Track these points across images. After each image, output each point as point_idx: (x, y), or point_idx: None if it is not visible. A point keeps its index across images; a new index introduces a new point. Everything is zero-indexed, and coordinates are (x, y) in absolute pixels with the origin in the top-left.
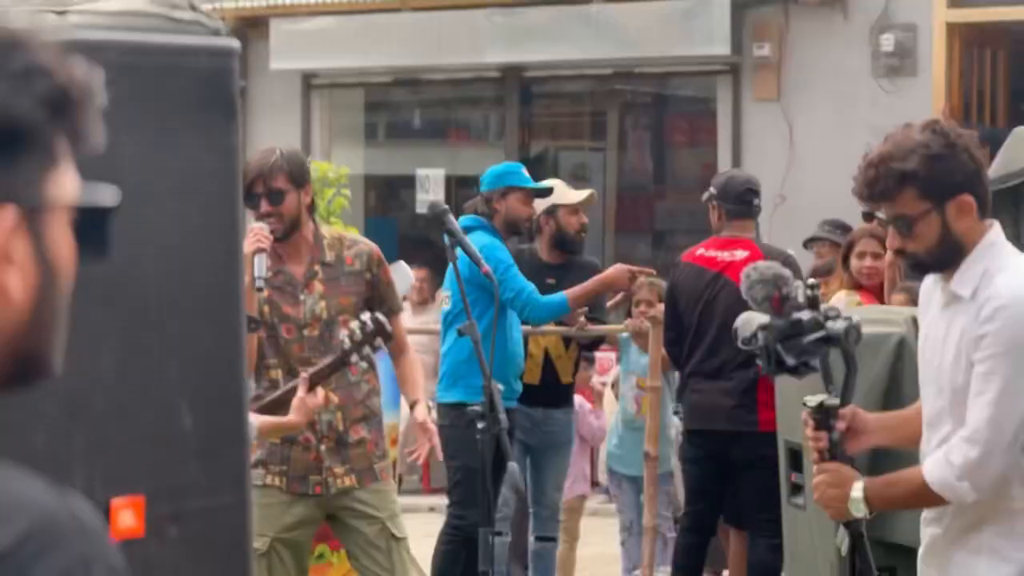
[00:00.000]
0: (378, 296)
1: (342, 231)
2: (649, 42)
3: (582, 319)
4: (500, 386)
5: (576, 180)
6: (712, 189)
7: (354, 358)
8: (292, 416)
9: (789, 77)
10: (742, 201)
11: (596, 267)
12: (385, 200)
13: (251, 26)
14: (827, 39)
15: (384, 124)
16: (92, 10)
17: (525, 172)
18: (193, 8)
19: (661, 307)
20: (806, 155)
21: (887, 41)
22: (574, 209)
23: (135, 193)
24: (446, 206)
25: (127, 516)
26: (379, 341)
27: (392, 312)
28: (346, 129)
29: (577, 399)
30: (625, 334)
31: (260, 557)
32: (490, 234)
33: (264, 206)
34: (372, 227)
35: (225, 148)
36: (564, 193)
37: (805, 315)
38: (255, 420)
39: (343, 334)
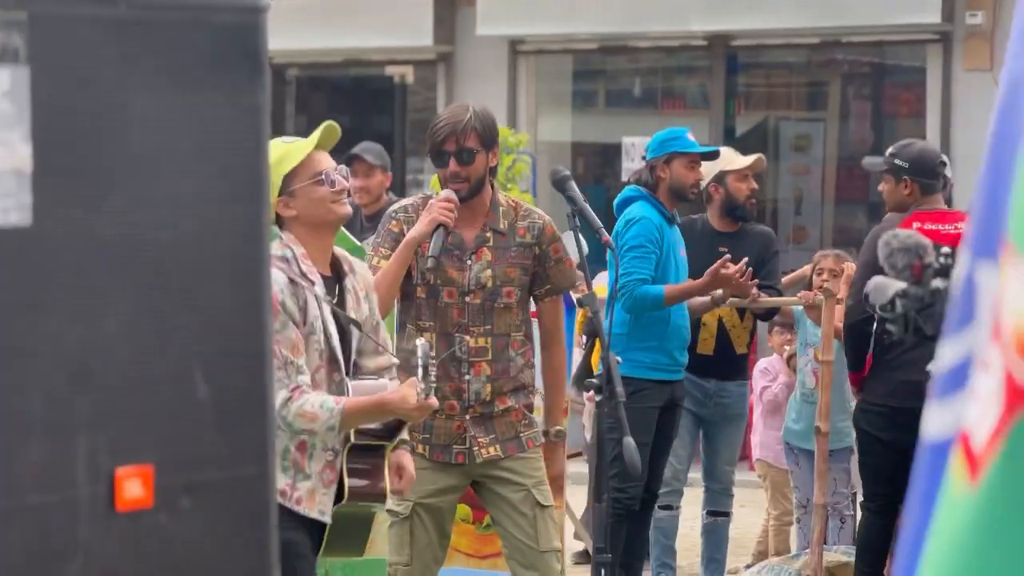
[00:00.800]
0: (543, 273)
1: (519, 199)
2: (857, 10)
3: (754, 291)
4: (619, 358)
5: (794, 151)
6: (900, 162)
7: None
8: (399, 391)
9: (1003, 46)
10: (936, 175)
11: (770, 236)
12: (592, 168)
13: None
14: None
15: (591, 91)
16: None
17: (690, 136)
18: None
19: (842, 278)
20: None
21: None
22: (743, 175)
23: (146, 153)
24: (567, 172)
25: (134, 486)
26: (431, 370)
27: (551, 293)
28: (552, 96)
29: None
30: (799, 307)
31: (403, 521)
32: (649, 205)
33: (453, 165)
34: None
35: (250, 107)
36: (732, 159)
37: (942, 284)
38: (336, 403)
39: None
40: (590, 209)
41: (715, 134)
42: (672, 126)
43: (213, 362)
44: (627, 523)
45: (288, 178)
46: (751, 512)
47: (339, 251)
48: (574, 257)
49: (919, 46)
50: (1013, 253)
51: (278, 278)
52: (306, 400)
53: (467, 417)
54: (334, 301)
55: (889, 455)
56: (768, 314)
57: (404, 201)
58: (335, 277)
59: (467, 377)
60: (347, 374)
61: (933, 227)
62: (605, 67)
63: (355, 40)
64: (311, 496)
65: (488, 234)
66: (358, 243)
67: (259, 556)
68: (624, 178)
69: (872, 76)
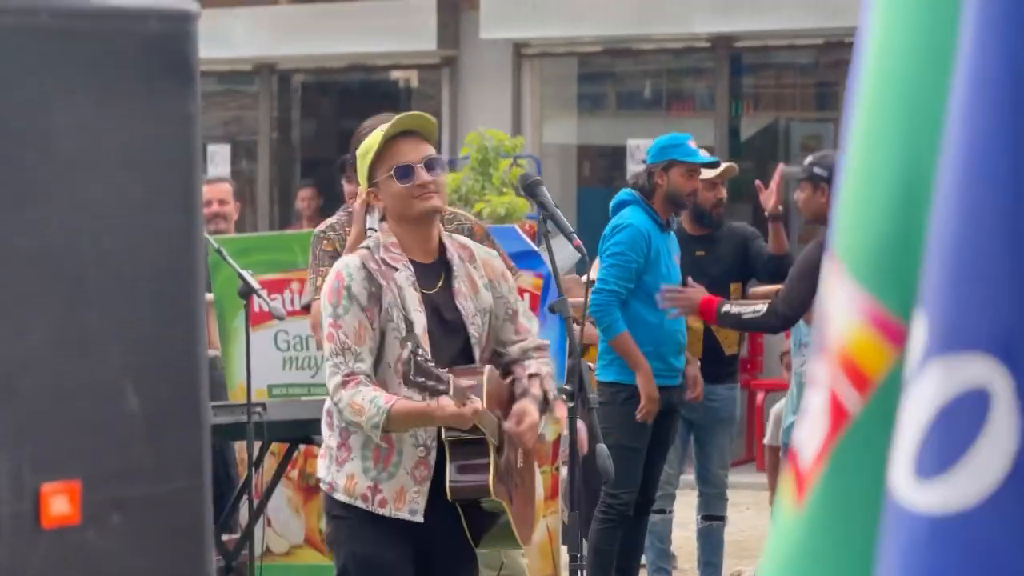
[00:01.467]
0: None
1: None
2: (860, 11)
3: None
4: (590, 364)
5: (804, 152)
6: (820, 171)
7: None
8: (437, 399)
9: None
10: None
11: (744, 233)
12: (598, 171)
13: None
14: None
15: (595, 94)
16: None
17: (691, 144)
18: None
19: None
20: None
21: None
22: (711, 183)
23: (73, 164)
24: (538, 177)
25: (60, 502)
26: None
27: None
28: (557, 99)
29: None
30: None
31: None
32: (640, 211)
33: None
34: (584, 198)
35: (181, 117)
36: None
37: None
38: (385, 403)
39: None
40: (561, 215)
41: (720, 136)
42: (677, 128)
43: (144, 374)
44: (622, 528)
45: (371, 169)
46: (756, 514)
47: (458, 239)
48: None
49: None
50: (837, 264)
51: (350, 262)
52: (359, 392)
53: None
54: (435, 289)
55: None
56: None
57: (328, 220)
58: (441, 266)
59: None
60: (473, 361)
61: None
62: (610, 70)
63: (360, 45)
64: (400, 495)
65: None
66: None
67: (193, 574)
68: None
69: None
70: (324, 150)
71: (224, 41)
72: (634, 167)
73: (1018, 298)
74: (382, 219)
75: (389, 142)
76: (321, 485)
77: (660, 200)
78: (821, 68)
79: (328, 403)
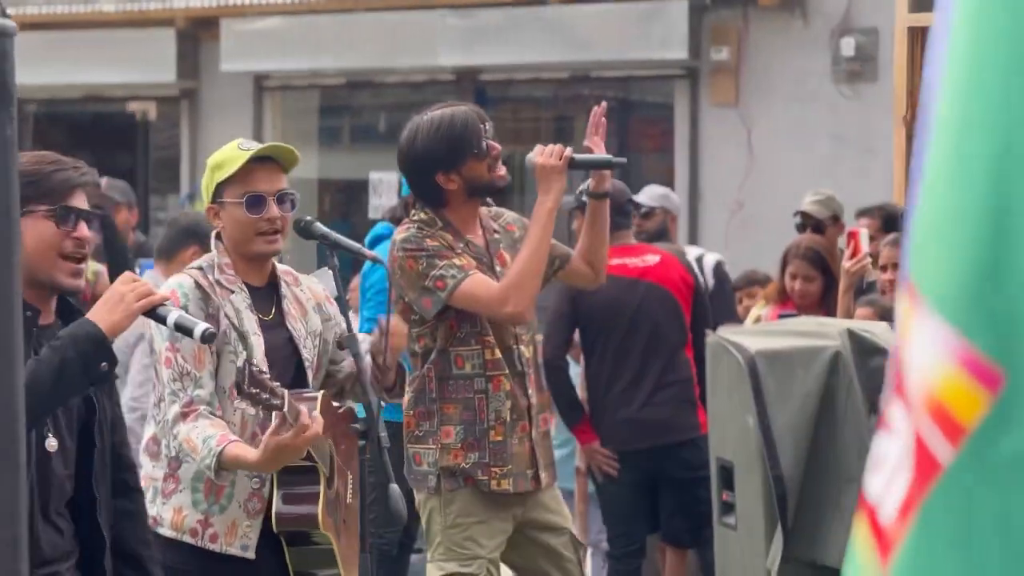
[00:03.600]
0: None
1: None
2: (606, 45)
3: None
4: (382, 403)
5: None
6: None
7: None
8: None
9: (747, 82)
10: (625, 212)
11: None
12: (339, 205)
13: (202, 26)
14: (786, 43)
15: (337, 127)
16: None
17: None
18: None
19: None
20: (764, 161)
21: (847, 45)
22: None
23: None
24: (308, 217)
25: None
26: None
27: None
28: (299, 132)
29: None
30: None
31: None
32: None
33: None
34: None
35: None
36: None
37: None
38: (216, 445)
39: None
40: (344, 238)
41: None
42: None
43: None
44: (385, 568)
45: (220, 187)
46: None
47: (283, 267)
48: (334, 293)
49: (667, 81)
50: (916, 296)
51: (184, 282)
52: (194, 428)
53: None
54: (270, 314)
55: (624, 494)
56: None
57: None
58: (271, 290)
59: (530, 392)
60: (306, 384)
61: (619, 261)
62: (351, 103)
63: (96, 75)
64: (231, 529)
65: None
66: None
67: None
68: (371, 214)
69: (620, 111)
70: None
71: None
72: (376, 201)
73: None
74: (216, 237)
75: (246, 165)
76: None
77: None
78: (560, 102)
79: (151, 430)
